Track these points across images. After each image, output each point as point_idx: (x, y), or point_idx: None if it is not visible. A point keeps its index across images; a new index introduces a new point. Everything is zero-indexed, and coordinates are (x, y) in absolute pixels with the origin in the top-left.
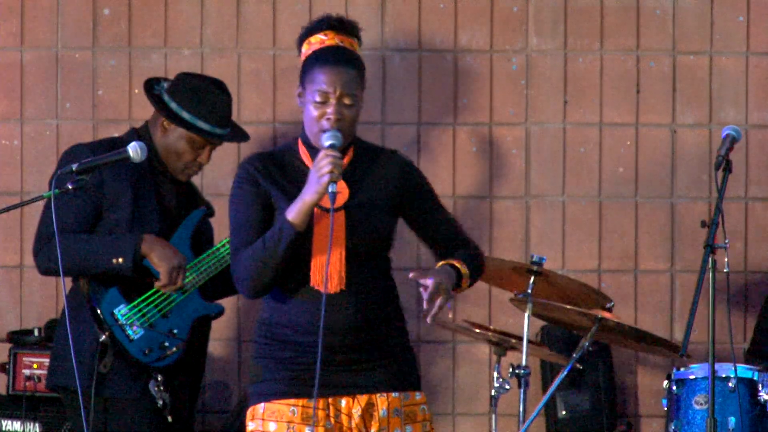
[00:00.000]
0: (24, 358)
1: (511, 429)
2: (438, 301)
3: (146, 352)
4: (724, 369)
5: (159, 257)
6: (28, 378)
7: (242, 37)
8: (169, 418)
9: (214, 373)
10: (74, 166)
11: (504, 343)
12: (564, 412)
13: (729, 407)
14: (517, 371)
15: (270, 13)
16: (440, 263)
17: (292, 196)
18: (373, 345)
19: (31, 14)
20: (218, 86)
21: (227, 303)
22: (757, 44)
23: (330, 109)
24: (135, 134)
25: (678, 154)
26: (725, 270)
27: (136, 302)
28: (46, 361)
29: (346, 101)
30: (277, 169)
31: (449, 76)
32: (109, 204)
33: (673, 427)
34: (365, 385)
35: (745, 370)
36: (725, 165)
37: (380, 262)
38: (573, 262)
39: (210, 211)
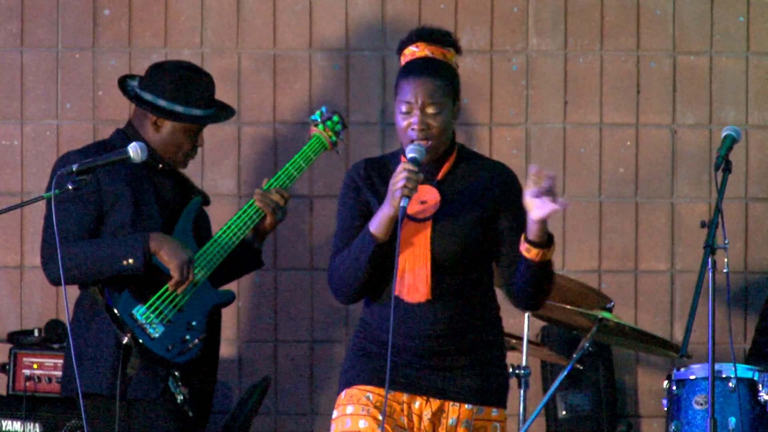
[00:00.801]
0: (24, 359)
1: (511, 429)
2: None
3: (169, 348)
4: (724, 369)
5: (168, 254)
6: (28, 378)
7: (242, 37)
8: (190, 413)
9: None
10: (74, 167)
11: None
12: (564, 413)
13: (729, 407)
14: (517, 372)
15: (270, 13)
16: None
17: None
18: (458, 353)
19: (32, 14)
20: (194, 70)
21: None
22: (757, 45)
23: (414, 119)
24: (123, 135)
25: (678, 155)
26: (725, 270)
27: (151, 300)
28: (47, 361)
29: (430, 110)
30: (378, 176)
31: None
32: (110, 206)
33: (673, 428)
34: (441, 390)
35: (745, 370)
36: (725, 165)
37: (471, 273)
38: (573, 262)
39: (205, 200)
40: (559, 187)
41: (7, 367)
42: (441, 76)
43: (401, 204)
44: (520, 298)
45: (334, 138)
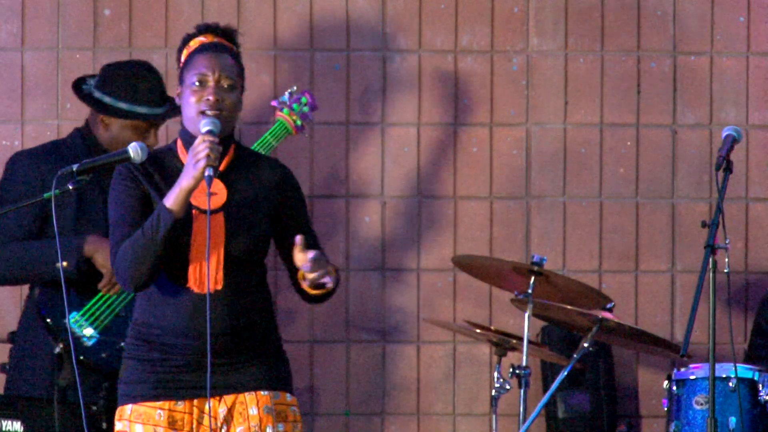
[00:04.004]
0: None
1: (511, 429)
2: (319, 272)
3: (102, 357)
4: (725, 369)
5: (104, 258)
6: None
7: (243, 37)
8: (104, 425)
9: None
10: (75, 167)
11: (504, 343)
12: (564, 413)
13: (729, 407)
14: (517, 371)
15: (271, 14)
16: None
17: None
18: (243, 348)
19: (32, 15)
20: (145, 68)
21: None
22: (758, 44)
23: (209, 90)
24: (79, 134)
25: (678, 155)
26: (726, 270)
27: (87, 306)
28: None
29: (225, 83)
30: (155, 170)
31: (450, 76)
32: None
33: (673, 428)
34: (232, 385)
35: (745, 370)
36: (726, 165)
37: (257, 268)
38: (573, 262)
39: None
40: (560, 187)
41: (7, 367)
42: (234, 57)
43: (207, 173)
44: (305, 299)
45: (299, 122)
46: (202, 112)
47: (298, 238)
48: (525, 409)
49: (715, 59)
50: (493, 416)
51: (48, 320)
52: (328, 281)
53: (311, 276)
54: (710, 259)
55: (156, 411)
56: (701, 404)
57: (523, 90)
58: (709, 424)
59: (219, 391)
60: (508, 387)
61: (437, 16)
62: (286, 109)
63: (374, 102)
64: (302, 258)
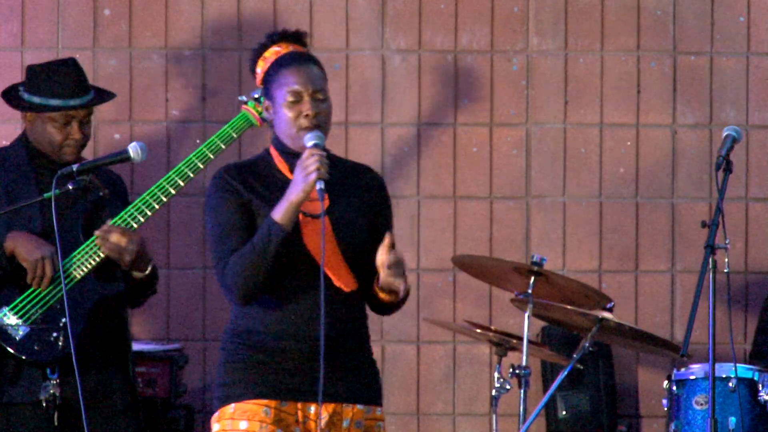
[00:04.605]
0: None
1: (511, 429)
2: (396, 275)
3: (35, 349)
4: (725, 369)
5: (22, 252)
6: None
7: (243, 37)
8: (55, 420)
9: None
10: (75, 167)
11: (505, 343)
12: (564, 413)
13: (729, 407)
14: (517, 371)
15: (270, 14)
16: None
17: (274, 203)
18: (344, 355)
19: (32, 14)
20: (62, 63)
21: None
22: (758, 44)
23: (306, 106)
24: (19, 139)
25: (678, 155)
26: (726, 270)
27: (16, 302)
28: None
29: (320, 96)
30: (254, 179)
31: (450, 76)
32: None
33: (673, 428)
34: (334, 393)
35: (745, 371)
36: (726, 165)
37: (361, 272)
38: (573, 262)
39: (102, 197)
40: (560, 187)
41: None
42: (319, 66)
43: (318, 187)
44: (374, 310)
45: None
46: (303, 128)
47: (388, 235)
48: (525, 409)
49: (715, 59)
50: (493, 416)
51: None
52: (401, 287)
53: (388, 278)
54: (710, 259)
55: (263, 408)
56: (701, 404)
57: (523, 90)
58: (709, 425)
59: (322, 397)
60: (508, 387)
61: (437, 16)
62: (251, 102)
63: (374, 102)
64: (385, 258)
